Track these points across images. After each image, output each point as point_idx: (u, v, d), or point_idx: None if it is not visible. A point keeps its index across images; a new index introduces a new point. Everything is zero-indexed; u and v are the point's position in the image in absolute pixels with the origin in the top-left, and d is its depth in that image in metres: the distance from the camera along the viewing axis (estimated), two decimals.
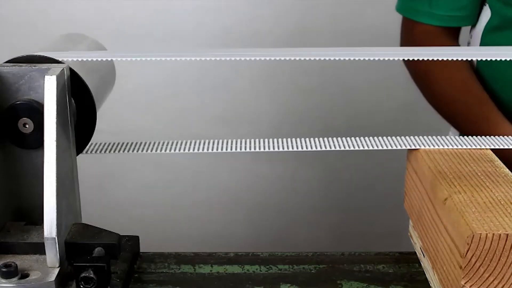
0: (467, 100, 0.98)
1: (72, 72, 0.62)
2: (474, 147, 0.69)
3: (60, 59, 0.62)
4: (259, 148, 0.70)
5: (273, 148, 0.70)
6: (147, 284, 0.69)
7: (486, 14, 0.99)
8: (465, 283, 0.51)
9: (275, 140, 0.71)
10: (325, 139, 0.71)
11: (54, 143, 0.57)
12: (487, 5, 0.98)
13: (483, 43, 1.00)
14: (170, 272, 0.71)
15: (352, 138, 0.72)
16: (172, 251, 0.75)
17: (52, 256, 0.58)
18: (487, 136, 0.71)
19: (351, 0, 1.55)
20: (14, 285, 0.56)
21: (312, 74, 1.66)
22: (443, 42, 1.00)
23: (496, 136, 0.71)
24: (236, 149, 0.69)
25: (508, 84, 0.96)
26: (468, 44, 1.05)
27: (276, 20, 1.61)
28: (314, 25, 1.58)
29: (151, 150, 0.69)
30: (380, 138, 0.72)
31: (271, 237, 1.81)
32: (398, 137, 0.72)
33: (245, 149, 0.69)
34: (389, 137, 0.72)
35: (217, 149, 0.69)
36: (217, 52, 0.68)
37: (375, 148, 0.70)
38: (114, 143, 0.70)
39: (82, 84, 0.63)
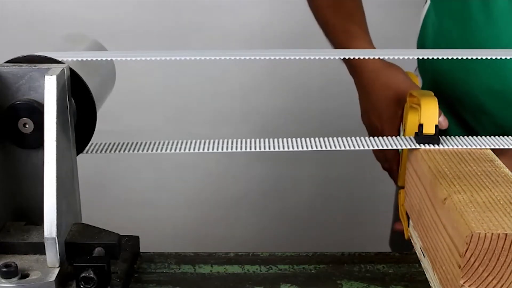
0: (337, 11, 1.01)
1: (72, 72, 0.62)
2: (474, 147, 0.69)
3: (60, 59, 0.62)
4: (259, 148, 0.70)
5: (273, 148, 0.70)
6: (147, 284, 0.69)
7: None
8: (464, 283, 0.51)
9: (275, 140, 0.71)
10: (325, 139, 0.71)
11: (54, 143, 0.57)
12: None
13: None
14: (170, 272, 0.71)
15: (352, 138, 0.72)
16: (172, 251, 0.75)
17: (52, 256, 0.58)
18: (487, 136, 0.71)
19: None
20: (14, 285, 0.57)
21: (312, 74, 1.66)
22: None
23: (496, 136, 0.71)
24: (236, 149, 0.69)
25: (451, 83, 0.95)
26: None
27: (277, 20, 1.61)
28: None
29: (151, 150, 0.69)
30: (380, 138, 0.72)
31: (271, 237, 1.81)
32: (398, 137, 0.72)
33: (245, 149, 0.69)
34: (389, 137, 0.72)
35: (217, 149, 0.69)
36: (217, 52, 0.68)
37: (376, 148, 0.70)
38: (114, 143, 0.70)
39: (82, 84, 0.63)
